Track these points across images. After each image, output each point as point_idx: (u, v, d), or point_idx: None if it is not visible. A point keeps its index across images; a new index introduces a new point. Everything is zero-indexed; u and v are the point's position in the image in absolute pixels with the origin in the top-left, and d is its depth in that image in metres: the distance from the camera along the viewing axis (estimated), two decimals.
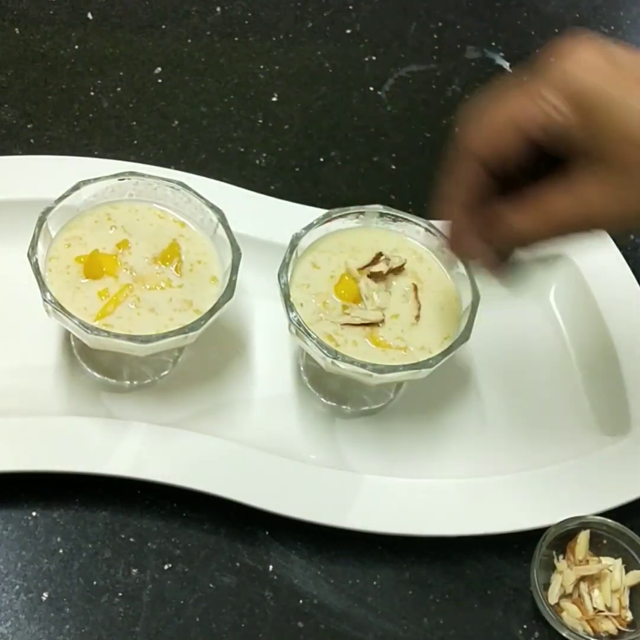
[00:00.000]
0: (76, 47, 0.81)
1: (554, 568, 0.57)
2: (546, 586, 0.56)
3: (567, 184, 0.43)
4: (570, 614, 0.55)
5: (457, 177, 0.46)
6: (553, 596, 0.56)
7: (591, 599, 0.56)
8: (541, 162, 0.45)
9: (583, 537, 0.57)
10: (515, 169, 0.45)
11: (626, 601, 0.56)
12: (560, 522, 0.56)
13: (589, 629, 0.55)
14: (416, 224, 0.60)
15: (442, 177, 0.47)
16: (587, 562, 0.57)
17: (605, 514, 0.58)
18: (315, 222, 0.59)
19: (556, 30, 0.91)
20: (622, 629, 0.55)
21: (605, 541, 0.58)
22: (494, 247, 0.48)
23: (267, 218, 0.67)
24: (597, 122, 0.41)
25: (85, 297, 0.55)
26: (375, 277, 0.59)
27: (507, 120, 0.43)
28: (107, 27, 0.83)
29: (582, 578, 0.56)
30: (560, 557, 0.57)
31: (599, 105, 0.41)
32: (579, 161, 0.43)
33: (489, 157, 0.45)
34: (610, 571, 0.56)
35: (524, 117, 0.43)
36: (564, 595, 0.56)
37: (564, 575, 0.56)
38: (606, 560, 0.57)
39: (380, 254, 0.59)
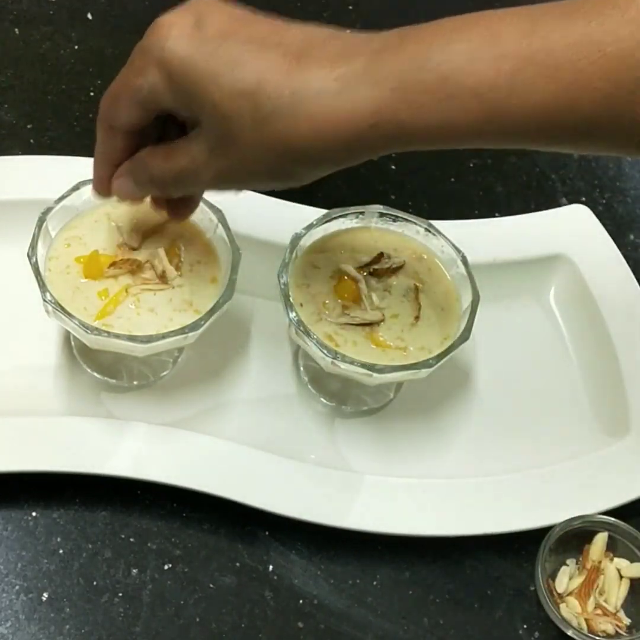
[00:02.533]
0: (76, 47, 0.81)
1: (559, 566, 0.57)
2: (550, 584, 0.56)
3: (186, 139, 0.45)
4: (570, 607, 0.55)
5: (102, 143, 0.49)
6: (559, 593, 0.56)
7: (595, 598, 0.56)
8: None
9: (601, 538, 0.57)
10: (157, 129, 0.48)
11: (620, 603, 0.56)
12: (567, 520, 0.57)
13: (585, 626, 0.55)
14: (416, 224, 0.60)
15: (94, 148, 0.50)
16: (600, 563, 0.57)
17: (605, 513, 0.58)
18: (315, 222, 0.59)
19: None
20: (619, 631, 0.55)
21: (610, 540, 0.58)
22: (136, 184, 0.49)
23: (267, 218, 0.67)
24: (189, 93, 0.43)
25: (85, 297, 0.55)
26: (375, 277, 0.59)
27: (122, 89, 0.46)
28: (107, 28, 0.83)
29: (592, 578, 0.56)
30: (569, 555, 0.57)
31: (186, 77, 0.42)
32: (191, 124, 0.45)
33: (121, 128, 0.47)
34: (620, 572, 0.57)
35: (130, 85, 0.45)
36: (568, 594, 0.56)
37: (573, 573, 0.57)
38: (620, 562, 0.57)
39: (381, 254, 0.59)
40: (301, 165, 0.43)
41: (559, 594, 0.56)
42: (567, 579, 0.57)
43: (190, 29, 0.42)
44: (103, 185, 0.51)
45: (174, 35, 0.43)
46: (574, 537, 0.57)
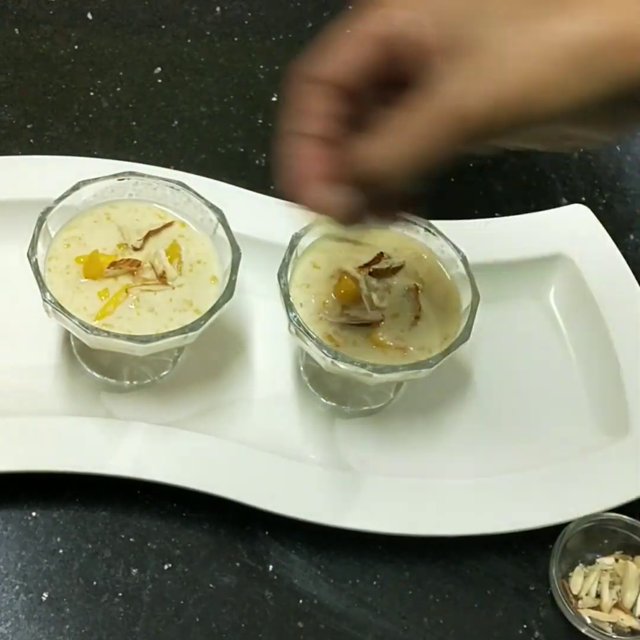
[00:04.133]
0: (76, 47, 0.81)
1: (573, 564, 0.57)
2: (564, 583, 0.56)
3: (426, 92, 0.38)
4: (585, 606, 0.55)
5: (309, 111, 0.40)
6: (574, 594, 0.56)
7: (610, 595, 0.56)
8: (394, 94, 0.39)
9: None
10: (371, 94, 0.40)
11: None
12: (582, 518, 0.57)
13: (604, 625, 0.55)
14: (416, 224, 0.60)
15: (287, 118, 0.41)
16: (617, 560, 0.57)
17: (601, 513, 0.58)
18: (315, 222, 0.59)
19: None
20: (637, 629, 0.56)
21: (621, 538, 0.58)
22: (350, 191, 0.40)
23: (267, 218, 0.67)
24: (455, 21, 0.38)
25: (85, 297, 0.55)
26: (375, 277, 0.59)
27: (359, 34, 0.39)
28: (107, 27, 0.83)
29: (612, 576, 0.57)
30: (582, 553, 0.58)
31: (453, 4, 0.38)
32: (435, 68, 0.38)
33: (346, 78, 0.40)
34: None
35: (371, 25, 0.39)
36: (584, 593, 0.56)
37: (587, 573, 0.57)
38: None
39: (381, 254, 0.59)
40: (584, 73, 0.36)
41: (574, 594, 0.56)
42: (581, 578, 0.57)
43: None
44: (313, 176, 0.40)
45: None
46: (586, 536, 0.58)
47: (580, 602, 0.56)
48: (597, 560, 0.58)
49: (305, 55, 0.40)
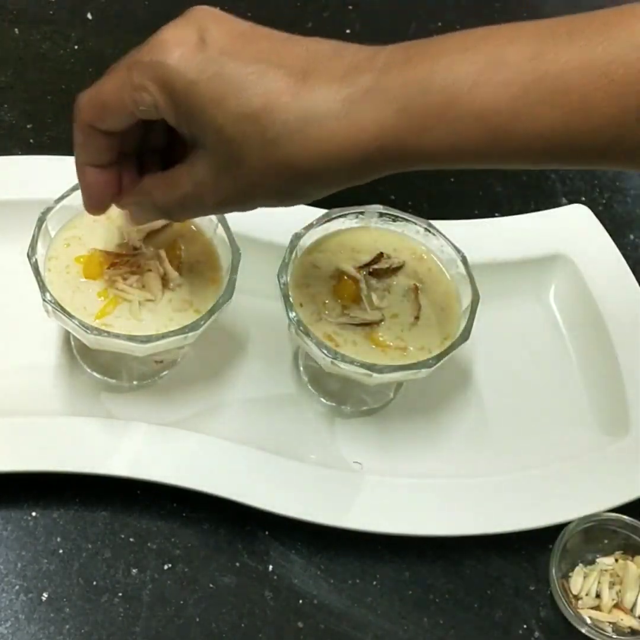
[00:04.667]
0: (76, 47, 0.81)
1: (573, 565, 0.57)
2: (564, 583, 0.56)
3: (188, 164, 0.45)
4: (586, 606, 0.55)
5: (83, 145, 0.47)
6: (574, 594, 0.56)
7: (610, 595, 0.56)
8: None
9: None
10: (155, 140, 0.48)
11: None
12: (582, 518, 0.57)
13: (603, 625, 0.55)
14: (416, 224, 0.60)
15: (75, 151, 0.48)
16: (617, 560, 0.57)
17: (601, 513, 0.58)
18: (315, 222, 0.59)
19: None
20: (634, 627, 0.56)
21: (621, 538, 0.58)
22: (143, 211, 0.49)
23: (267, 218, 0.66)
24: (193, 116, 0.42)
25: (85, 297, 0.55)
26: (375, 277, 0.59)
27: (113, 101, 0.44)
28: (106, 27, 0.83)
29: (612, 576, 0.57)
30: (581, 553, 0.58)
31: (190, 100, 0.41)
32: (193, 146, 0.44)
33: (107, 131, 0.45)
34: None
35: (124, 95, 0.43)
36: (585, 593, 0.56)
37: (587, 573, 0.57)
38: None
39: (381, 254, 0.59)
40: (308, 186, 0.43)
41: (574, 594, 0.56)
42: (581, 578, 0.57)
43: (193, 47, 0.41)
44: (95, 195, 0.49)
45: (177, 54, 0.41)
46: (586, 536, 0.58)
47: (580, 602, 0.56)
48: (597, 560, 0.58)
49: (87, 88, 0.46)
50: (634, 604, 0.56)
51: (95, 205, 0.50)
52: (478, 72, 0.39)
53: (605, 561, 0.58)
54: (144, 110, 0.43)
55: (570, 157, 0.41)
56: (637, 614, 0.56)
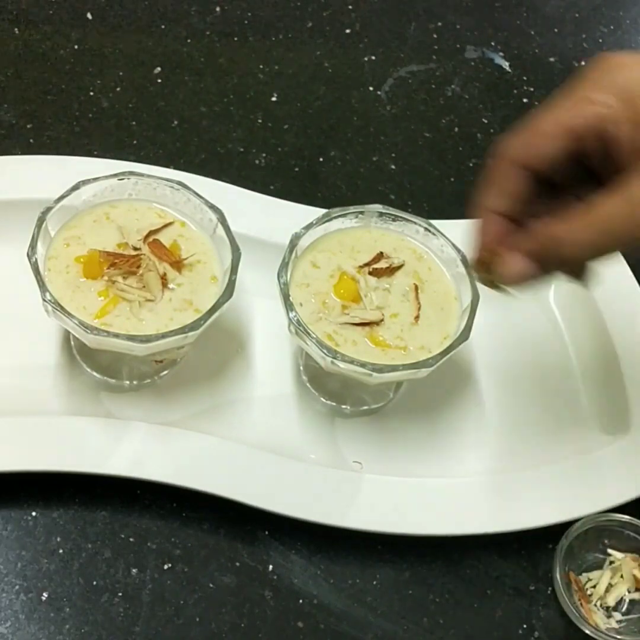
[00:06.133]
0: (76, 47, 0.81)
1: (578, 564, 0.57)
2: (568, 584, 0.56)
3: (619, 187, 0.41)
4: (590, 607, 0.56)
5: (499, 186, 0.45)
6: (579, 593, 0.56)
7: (614, 595, 0.56)
8: (582, 181, 0.44)
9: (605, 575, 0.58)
10: (559, 179, 0.45)
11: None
12: (586, 518, 0.57)
13: (613, 627, 0.56)
14: (416, 223, 0.60)
15: (479, 190, 0.46)
16: (621, 560, 0.57)
17: (604, 513, 0.58)
18: (314, 222, 0.59)
19: (556, 30, 0.91)
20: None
21: (625, 538, 0.58)
22: (534, 264, 0.45)
23: (267, 218, 0.67)
24: None
25: (85, 296, 0.55)
26: (375, 276, 0.59)
27: (555, 124, 0.43)
28: (106, 27, 0.83)
29: (616, 576, 0.57)
30: (586, 553, 0.58)
31: None
32: (632, 165, 0.42)
33: (535, 163, 0.44)
34: None
35: (573, 118, 0.42)
36: (589, 593, 0.57)
37: (593, 572, 0.57)
38: None
39: (381, 254, 0.59)
40: None
41: (578, 594, 0.56)
42: (585, 579, 0.57)
43: None
44: (489, 245, 0.46)
45: (631, 65, 0.41)
46: (590, 536, 0.58)
47: (584, 601, 0.56)
48: (602, 560, 0.58)
49: (509, 132, 0.45)
50: (638, 604, 0.56)
51: (484, 258, 0.47)
52: None
53: (609, 561, 0.58)
54: (593, 122, 0.42)
55: None
56: None
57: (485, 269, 0.48)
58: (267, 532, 0.58)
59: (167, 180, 0.59)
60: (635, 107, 0.41)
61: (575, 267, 0.46)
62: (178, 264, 0.57)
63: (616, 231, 0.41)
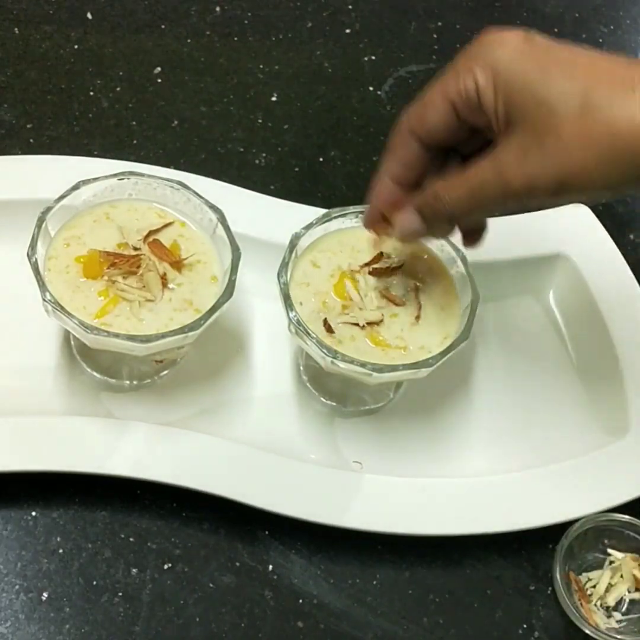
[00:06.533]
0: (76, 46, 0.81)
1: (578, 564, 0.57)
2: (569, 583, 0.56)
3: (490, 154, 0.45)
4: (590, 607, 0.56)
5: (396, 154, 0.50)
6: (579, 592, 0.56)
7: (614, 595, 0.56)
8: (475, 145, 0.48)
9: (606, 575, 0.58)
10: (451, 146, 0.49)
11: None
12: (586, 518, 0.57)
13: (613, 627, 0.56)
14: None
15: (382, 158, 0.50)
16: (621, 560, 0.57)
17: (604, 512, 0.58)
18: (314, 222, 0.59)
19: (556, 30, 0.91)
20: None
21: (625, 537, 0.58)
22: (419, 218, 0.50)
23: (267, 218, 0.67)
24: (515, 92, 0.44)
25: (85, 296, 0.55)
26: (375, 276, 0.59)
27: (437, 96, 0.47)
28: (106, 27, 0.83)
29: (616, 576, 0.57)
30: (586, 553, 0.58)
31: (515, 76, 0.44)
32: (499, 134, 0.45)
33: (423, 131, 0.48)
34: None
35: (448, 88, 0.46)
36: (589, 593, 0.57)
37: (594, 572, 0.57)
38: None
39: (381, 254, 0.59)
40: (625, 165, 0.41)
41: (578, 594, 0.56)
42: (585, 578, 0.57)
43: (521, 39, 0.44)
44: (381, 207, 0.51)
45: (505, 43, 0.44)
46: (590, 536, 0.58)
47: (584, 601, 0.56)
48: (602, 560, 0.58)
49: (411, 103, 0.49)
50: (638, 604, 0.56)
51: (375, 218, 0.52)
52: None
53: (610, 560, 0.58)
54: (467, 94, 0.45)
55: None
56: None
57: (377, 228, 0.54)
58: (267, 532, 0.58)
59: (167, 180, 0.59)
60: (501, 81, 0.44)
61: (458, 223, 0.51)
62: (178, 264, 0.57)
63: (484, 193, 0.45)
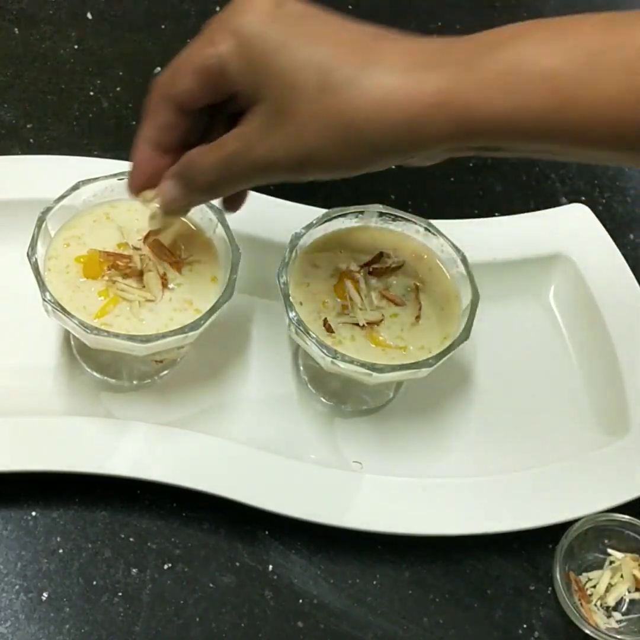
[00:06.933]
0: (76, 46, 0.81)
1: (578, 564, 0.57)
2: (569, 584, 0.56)
3: (241, 124, 0.44)
4: (591, 607, 0.56)
5: (151, 119, 0.48)
6: (579, 592, 0.56)
7: (614, 595, 0.56)
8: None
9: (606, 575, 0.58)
10: (214, 106, 0.47)
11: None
12: (586, 518, 0.57)
13: (613, 627, 0.56)
14: (416, 223, 0.60)
15: (141, 123, 0.49)
16: (621, 560, 0.57)
17: (604, 512, 0.58)
18: (314, 222, 0.59)
19: None
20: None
21: (625, 537, 0.58)
22: (179, 185, 0.48)
23: (267, 218, 0.67)
24: (258, 62, 0.42)
25: (85, 296, 0.55)
26: (375, 276, 0.59)
27: (186, 63, 0.45)
28: (106, 27, 0.83)
29: (616, 576, 0.57)
30: (586, 553, 0.58)
31: (259, 45, 0.42)
32: (248, 105, 0.44)
33: (177, 98, 0.46)
34: None
35: (194, 56, 0.44)
36: (589, 594, 0.56)
37: (594, 572, 0.57)
38: None
39: (381, 254, 0.59)
40: (360, 146, 0.42)
41: (578, 594, 0.56)
42: (585, 578, 0.57)
43: (270, 6, 0.42)
44: (141, 174, 0.49)
45: (254, 9, 0.42)
46: (590, 536, 0.58)
47: (584, 601, 0.56)
48: (602, 560, 0.58)
49: (164, 68, 0.47)
50: (638, 604, 0.56)
51: (137, 185, 0.50)
52: (545, 40, 0.39)
53: (610, 560, 0.58)
54: (213, 62, 0.43)
55: (633, 135, 0.39)
56: None
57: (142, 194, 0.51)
58: (267, 532, 0.58)
59: None
60: (245, 50, 0.42)
61: (217, 191, 0.49)
62: (178, 264, 0.57)
63: (234, 164, 0.45)
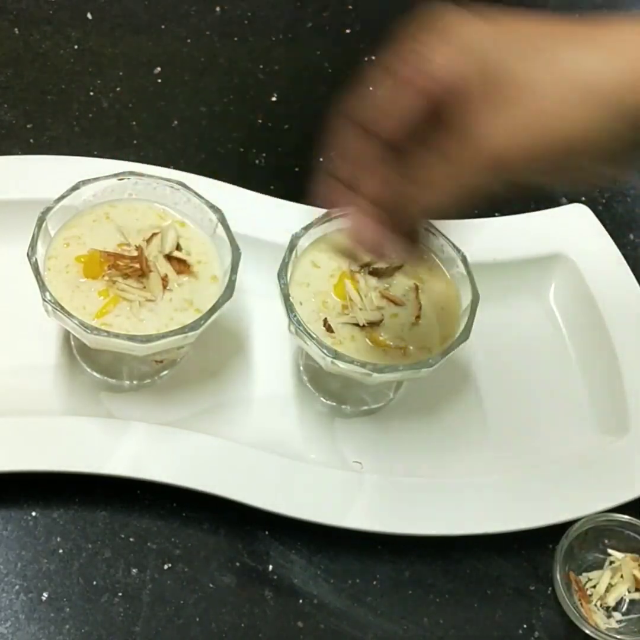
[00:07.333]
0: (76, 47, 0.81)
1: (578, 565, 0.57)
2: (569, 584, 0.56)
3: (463, 132, 0.41)
4: (591, 607, 0.56)
5: (349, 155, 0.45)
6: (579, 593, 0.56)
7: (614, 595, 0.56)
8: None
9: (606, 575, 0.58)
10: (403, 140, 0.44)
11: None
12: (586, 518, 0.57)
13: (613, 627, 0.56)
14: None
15: (328, 156, 0.46)
16: (621, 560, 0.57)
17: (604, 512, 0.58)
18: (314, 222, 0.59)
19: None
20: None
21: (625, 538, 0.58)
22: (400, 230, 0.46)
23: (267, 218, 0.67)
24: (484, 60, 0.41)
25: (85, 296, 0.55)
26: (375, 276, 0.59)
27: (403, 86, 0.43)
28: (106, 27, 0.83)
29: (616, 576, 0.57)
30: (586, 553, 0.58)
31: (488, 52, 0.41)
32: (470, 112, 0.41)
33: (387, 129, 0.43)
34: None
35: (419, 79, 0.42)
36: (589, 594, 0.57)
37: (594, 572, 0.57)
38: None
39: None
40: (599, 117, 0.39)
41: (578, 594, 0.56)
42: (585, 579, 0.57)
43: (480, 17, 0.42)
44: (330, 199, 0.46)
45: (467, 21, 0.42)
46: (590, 536, 0.58)
47: (584, 601, 0.56)
48: (602, 560, 0.58)
49: (349, 95, 0.44)
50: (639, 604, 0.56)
51: (329, 202, 0.48)
52: None
53: (610, 560, 0.58)
54: (439, 70, 0.41)
55: None
56: None
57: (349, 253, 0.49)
58: (267, 532, 0.58)
59: (167, 180, 0.59)
60: (479, 60, 0.41)
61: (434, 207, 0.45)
62: (187, 266, 0.57)
63: (475, 173, 0.41)
